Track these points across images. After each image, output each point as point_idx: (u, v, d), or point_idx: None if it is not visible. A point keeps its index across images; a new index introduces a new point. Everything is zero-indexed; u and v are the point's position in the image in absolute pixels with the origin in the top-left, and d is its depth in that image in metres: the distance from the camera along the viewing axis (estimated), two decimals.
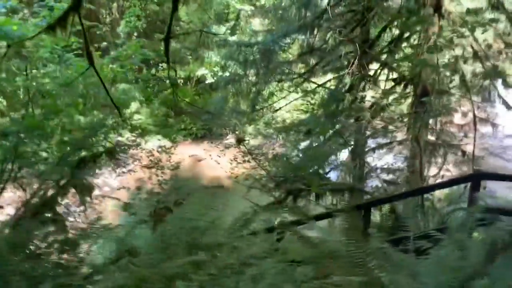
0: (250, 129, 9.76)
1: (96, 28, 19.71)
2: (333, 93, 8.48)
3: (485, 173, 5.20)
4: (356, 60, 8.42)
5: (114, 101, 7.85)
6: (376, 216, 5.08)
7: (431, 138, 10.08)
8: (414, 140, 9.08)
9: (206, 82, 18.25)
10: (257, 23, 18.55)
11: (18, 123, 5.16)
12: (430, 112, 9.07)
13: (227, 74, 12.85)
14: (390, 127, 9.42)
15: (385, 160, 10.59)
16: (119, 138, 16.83)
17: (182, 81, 21.08)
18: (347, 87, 8.34)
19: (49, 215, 7.71)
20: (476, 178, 4.60)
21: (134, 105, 20.40)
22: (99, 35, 17.97)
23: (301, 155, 7.57)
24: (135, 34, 20.56)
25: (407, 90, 9.38)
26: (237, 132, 8.92)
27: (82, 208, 10.80)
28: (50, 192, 7.69)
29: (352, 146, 8.32)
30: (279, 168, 6.86)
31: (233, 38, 14.12)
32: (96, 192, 13.60)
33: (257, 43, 9.43)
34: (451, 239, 2.29)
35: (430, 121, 9.65)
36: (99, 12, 21.51)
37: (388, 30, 9.32)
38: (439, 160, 9.79)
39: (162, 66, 20.58)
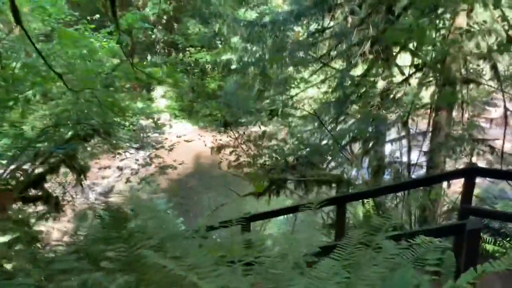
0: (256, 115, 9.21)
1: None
2: (343, 76, 7.77)
3: (480, 168, 4.46)
4: (369, 41, 7.67)
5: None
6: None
7: (458, 131, 9.13)
8: (435, 132, 8.29)
9: (232, 67, 17.85)
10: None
11: None
12: (454, 102, 8.23)
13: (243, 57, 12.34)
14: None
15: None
16: (142, 122, 16.82)
17: (209, 66, 20.83)
18: (356, 70, 7.63)
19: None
20: (470, 173, 3.91)
21: (161, 89, 20.43)
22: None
23: (292, 140, 7.00)
24: (164, 17, 20.47)
25: (430, 78, 8.55)
26: (225, 116, 8.42)
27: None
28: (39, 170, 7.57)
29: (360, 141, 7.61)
30: (271, 156, 6.34)
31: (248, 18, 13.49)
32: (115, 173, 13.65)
33: (265, 23, 8.86)
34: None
35: (455, 113, 8.76)
36: None
37: (411, 10, 8.45)
38: (465, 156, 8.88)
39: (189, 51, 20.39)
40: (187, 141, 14.96)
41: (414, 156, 9.40)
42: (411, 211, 5.54)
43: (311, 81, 10.32)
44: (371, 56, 8.55)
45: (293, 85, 10.47)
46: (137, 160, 12.12)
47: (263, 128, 9.30)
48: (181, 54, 20.40)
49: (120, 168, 11.76)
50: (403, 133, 8.98)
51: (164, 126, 14.00)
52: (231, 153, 6.26)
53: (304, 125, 8.65)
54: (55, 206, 8.14)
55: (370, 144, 8.91)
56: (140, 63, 7.46)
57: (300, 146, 6.87)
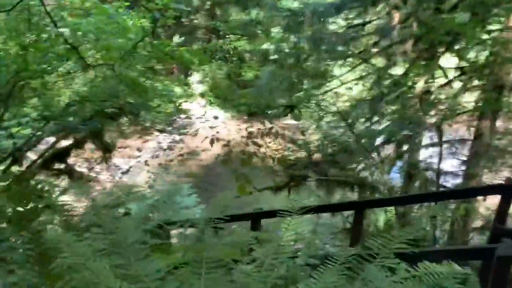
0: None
1: None
2: (381, 75, 7.37)
3: None
4: (413, 39, 7.22)
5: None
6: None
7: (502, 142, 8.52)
8: (476, 140, 7.75)
9: (270, 57, 17.57)
10: None
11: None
12: (499, 110, 7.66)
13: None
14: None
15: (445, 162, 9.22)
16: (172, 106, 16.86)
17: (248, 55, 20.68)
18: (396, 69, 7.21)
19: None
20: (505, 190, 3.52)
21: (198, 75, 20.46)
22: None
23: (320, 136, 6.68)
24: (208, 3, 20.41)
25: (475, 83, 7.98)
26: (251, 107, 8.15)
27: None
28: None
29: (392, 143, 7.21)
30: (294, 150, 6.07)
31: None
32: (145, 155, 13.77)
33: (304, 12, 8.54)
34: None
35: (500, 122, 8.17)
36: None
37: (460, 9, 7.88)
38: (506, 170, 8.27)
39: (229, 38, 20.29)
40: (212, 127, 14.88)
41: (450, 164, 8.85)
42: (436, 225, 5.15)
43: (347, 78, 9.93)
44: (413, 55, 8.08)
45: (329, 80, 10.11)
46: (160, 143, 12.11)
47: (293, 122, 9.01)
48: (221, 41, 20.33)
49: (146, 150, 11.81)
50: (439, 139, 8.46)
51: (189, 111, 13.93)
52: (224, 144, 6.01)
53: (336, 122, 8.31)
54: (78, 181, 8.24)
55: (404, 148, 8.47)
56: (165, 41, 7.31)
57: (325, 144, 6.57)
